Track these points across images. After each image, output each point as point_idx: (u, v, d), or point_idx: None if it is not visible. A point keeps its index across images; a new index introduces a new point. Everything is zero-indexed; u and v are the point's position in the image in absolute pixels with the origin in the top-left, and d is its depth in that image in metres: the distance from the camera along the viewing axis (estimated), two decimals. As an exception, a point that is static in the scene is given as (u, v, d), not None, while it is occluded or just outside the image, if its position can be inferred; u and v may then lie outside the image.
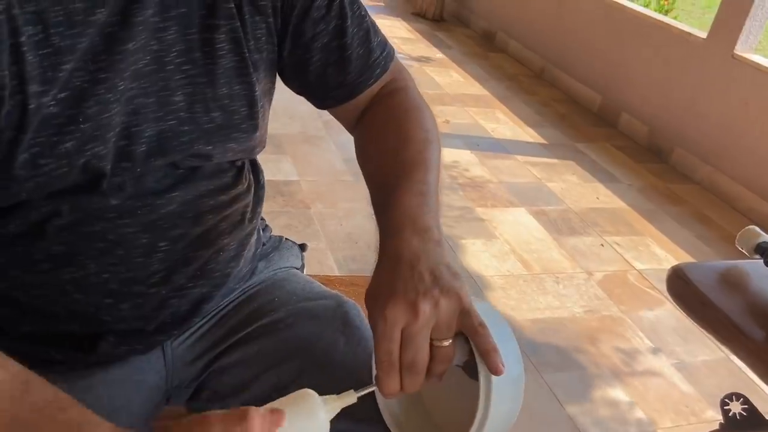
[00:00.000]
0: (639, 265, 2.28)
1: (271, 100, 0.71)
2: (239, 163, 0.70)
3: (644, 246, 2.42)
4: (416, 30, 4.87)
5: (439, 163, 0.66)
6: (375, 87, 0.72)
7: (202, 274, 0.67)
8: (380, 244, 0.56)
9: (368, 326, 0.74)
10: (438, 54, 4.35)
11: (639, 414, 1.65)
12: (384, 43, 0.72)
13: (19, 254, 0.60)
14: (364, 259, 2.05)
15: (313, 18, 0.66)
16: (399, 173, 0.62)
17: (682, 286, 0.91)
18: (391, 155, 0.66)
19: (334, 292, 0.78)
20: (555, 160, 3.02)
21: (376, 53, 0.71)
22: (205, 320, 0.73)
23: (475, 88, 3.80)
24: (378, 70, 0.71)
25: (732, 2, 2.91)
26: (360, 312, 0.75)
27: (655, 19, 3.37)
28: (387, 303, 0.50)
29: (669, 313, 2.05)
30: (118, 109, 0.57)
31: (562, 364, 1.78)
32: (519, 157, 2.98)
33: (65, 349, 0.65)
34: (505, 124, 3.35)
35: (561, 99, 3.81)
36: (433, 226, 0.56)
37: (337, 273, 1.95)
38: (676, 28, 3.23)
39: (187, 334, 0.72)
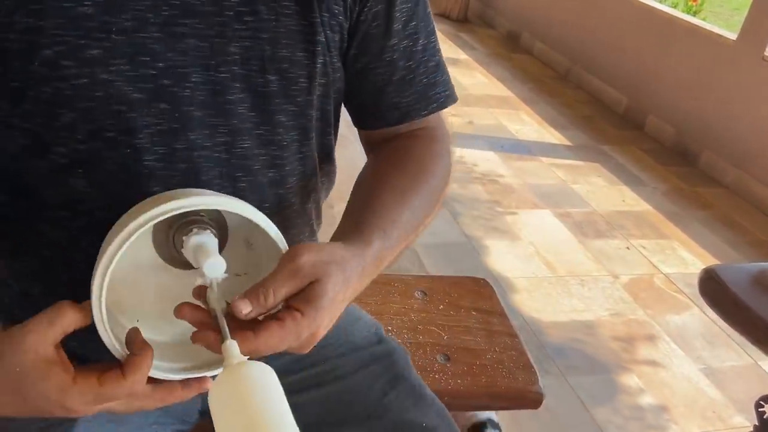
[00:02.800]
0: (665, 269, 2.25)
1: (340, 100, 0.66)
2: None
3: (671, 250, 2.39)
4: (440, 31, 4.84)
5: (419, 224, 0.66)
6: (423, 122, 0.70)
7: None
8: (348, 232, 0.57)
9: (416, 375, 0.75)
10: (462, 55, 4.34)
11: (666, 419, 1.63)
12: (448, 84, 0.71)
13: (57, 241, 0.58)
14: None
15: (390, 29, 0.64)
16: (406, 192, 0.64)
17: (714, 288, 0.91)
18: (407, 184, 0.66)
19: (376, 324, 0.78)
20: (580, 162, 2.99)
21: (439, 88, 0.70)
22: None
23: (499, 90, 3.78)
24: (434, 105, 0.70)
25: (762, 4, 2.86)
26: (407, 359, 0.76)
27: (684, 21, 3.32)
28: (319, 273, 0.50)
29: (696, 318, 2.02)
30: (160, 36, 0.53)
31: (588, 368, 1.77)
32: (543, 159, 2.97)
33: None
34: (529, 125, 3.34)
35: (586, 100, 3.78)
36: (374, 272, 0.58)
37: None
38: (705, 30, 3.18)
39: None
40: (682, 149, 3.23)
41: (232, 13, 0.56)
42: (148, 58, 0.53)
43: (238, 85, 0.57)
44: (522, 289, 2.05)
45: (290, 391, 0.69)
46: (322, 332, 0.51)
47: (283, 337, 0.47)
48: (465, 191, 2.56)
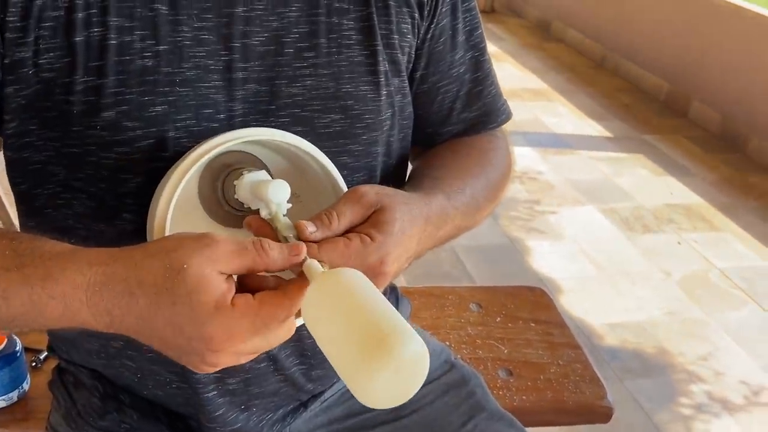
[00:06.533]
0: (720, 264, 2.17)
1: (409, 120, 0.62)
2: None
3: (724, 243, 2.30)
4: (468, 24, 4.79)
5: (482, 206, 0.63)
6: (491, 136, 0.68)
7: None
8: (420, 186, 0.55)
9: (493, 400, 0.73)
10: (491, 47, 4.26)
11: (728, 419, 1.57)
12: (502, 95, 0.69)
13: None
14: (427, 268, 2.03)
15: (456, 41, 0.61)
16: (472, 171, 0.62)
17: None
18: (471, 163, 0.64)
19: (443, 349, 0.76)
20: (622, 154, 2.90)
21: (502, 100, 0.68)
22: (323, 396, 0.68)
23: (532, 82, 3.70)
24: (503, 116, 0.68)
25: (813, -21, 2.72)
26: (482, 382, 0.74)
27: (727, 1, 3.19)
28: (389, 212, 0.47)
29: (755, 314, 1.94)
30: (221, 84, 0.51)
31: (644, 371, 1.71)
32: (583, 152, 2.89)
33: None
34: (566, 117, 3.25)
35: (625, 88, 3.67)
36: (441, 234, 0.55)
37: (404, 284, 1.94)
38: (750, 11, 3.05)
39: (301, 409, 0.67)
40: (729, 136, 3.11)
41: (292, 50, 0.53)
42: (212, 110, 0.51)
43: (299, 129, 0.53)
44: (568, 290, 1.99)
45: (367, 426, 0.68)
46: (391, 266, 0.47)
47: (348, 255, 0.45)
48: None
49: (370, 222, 0.47)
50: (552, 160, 2.80)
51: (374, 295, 0.40)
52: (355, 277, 0.41)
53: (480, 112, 0.66)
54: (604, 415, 0.99)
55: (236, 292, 0.41)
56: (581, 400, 0.99)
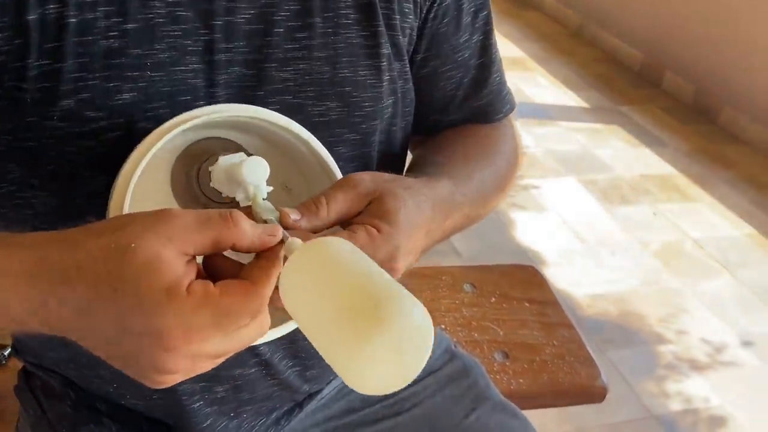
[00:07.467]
0: (694, 234, 2.23)
1: (409, 119, 0.57)
2: None
3: (698, 213, 2.36)
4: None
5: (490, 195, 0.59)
6: (497, 122, 0.64)
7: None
8: (426, 169, 0.51)
9: (495, 389, 0.71)
10: (468, 14, 4.21)
11: (707, 389, 1.64)
12: (506, 83, 0.64)
13: None
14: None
15: (460, 23, 0.56)
16: (479, 158, 0.58)
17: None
18: (478, 148, 0.60)
19: (444, 338, 0.75)
20: (599, 125, 2.93)
21: (506, 89, 0.64)
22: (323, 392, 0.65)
23: (510, 50, 3.68)
24: (508, 106, 0.64)
25: (788, -50, 2.75)
26: (484, 372, 0.73)
27: (702, -29, 3.20)
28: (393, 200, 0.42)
29: (729, 284, 2.01)
30: (200, 67, 0.45)
31: (626, 341, 1.76)
32: (563, 123, 2.91)
33: None
34: (545, 87, 3.26)
35: (601, 58, 3.68)
36: (447, 227, 0.50)
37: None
38: (725, -20, 3.07)
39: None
40: (702, 107, 3.16)
41: (282, 30, 0.47)
42: (189, 97, 0.45)
43: (290, 117, 0.47)
44: (552, 262, 2.03)
45: (367, 422, 0.66)
46: (402, 260, 0.42)
47: None
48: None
49: (371, 212, 0.41)
50: (533, 130, 2.81)
51: (365, 260, 0.34)
52: (341, 244, 0.35)
53: (485, 101, 0.62)
54: (599, 395, 1.02)
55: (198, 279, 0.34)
56: (577, 381, 1.01)
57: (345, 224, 0.42)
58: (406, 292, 0.32)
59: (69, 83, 0.42)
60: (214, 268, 0.36)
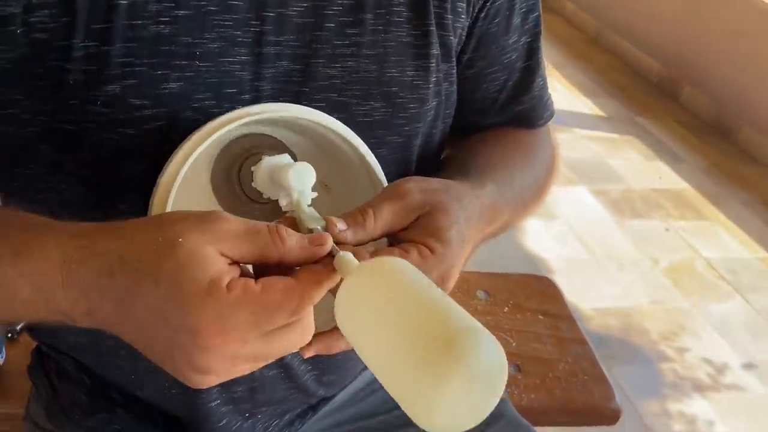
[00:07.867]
0: (707, 254, 2.18)
1: (452, 109, 0.54)
2: None
3: (712, 233, 2.30)
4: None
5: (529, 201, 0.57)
6: (536, 129, 0.62)
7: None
8: (468, 175, 0.49)
9: (511, 406, 0.69)
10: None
11: (710, 412, 1.59)
12: (548, 88, 0.63)
13: None
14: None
15: (510, 24, 0.54)
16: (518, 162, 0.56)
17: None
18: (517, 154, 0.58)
19: None
20: (615, 135, 2.87)
21: (548, 94, 0.61)
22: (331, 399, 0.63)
23: (527, 52, 3.62)
24: (549, 112, 0.62)
25: (821, -30, 2.68)
26: (507, 400, 0.70)
27: (730, -15, 3.14)
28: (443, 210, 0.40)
29: (740, 308, 1.96)
30: (248, 59, 0.44)
31: (629, 358, 1.71)
32: (577, 131, 2.85)
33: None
34: (560, 92, 3.19)
35: (618, 67, 3.62)
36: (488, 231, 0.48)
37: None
38: (749, 0, 3.01)
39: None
40: (720, 124, 3.10)
41: (332, 24, 0.45)
42: (235, 90, 0.44)
43: (335, 116, 0.46)
44: (559, 271, 1.97)
45: (378, 430, 0.63)
46: (453, 280, 0.41)
47: None
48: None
49: (422, 229, 0.40)
50: (545, 136, 2.75)
51: (431, 287, 0.32)
52: (403, 266, 0.33)
53: (527, 106, 0.60)
54: (612, 417, 0.97)
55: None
56: (590, 401, 0.97)
57: (391, 238, 0.40)
58: (477, 323, 0.30)
59: (116, 68, 0.41)
60: (265, 271, 0.35)
